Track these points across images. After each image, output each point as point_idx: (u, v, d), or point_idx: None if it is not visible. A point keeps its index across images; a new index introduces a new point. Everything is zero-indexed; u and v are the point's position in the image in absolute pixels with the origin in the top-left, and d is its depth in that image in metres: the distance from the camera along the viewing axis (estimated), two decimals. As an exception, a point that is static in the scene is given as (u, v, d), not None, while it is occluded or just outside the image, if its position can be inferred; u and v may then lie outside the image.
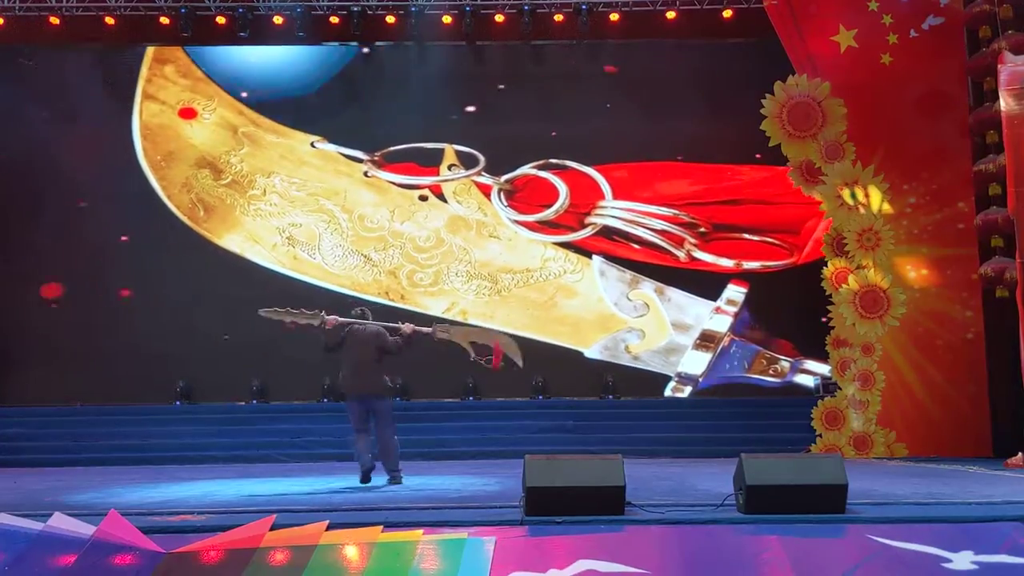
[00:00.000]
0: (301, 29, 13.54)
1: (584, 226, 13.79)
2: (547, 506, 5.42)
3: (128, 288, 13.69)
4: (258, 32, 13.65)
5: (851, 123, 11.74)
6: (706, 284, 13.61)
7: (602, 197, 13.82)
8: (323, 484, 8.16)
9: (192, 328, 13.33)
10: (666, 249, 13.70)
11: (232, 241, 13.77)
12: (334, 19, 13.68)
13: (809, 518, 5.33)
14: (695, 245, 13.64)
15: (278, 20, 13.56)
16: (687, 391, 13.33)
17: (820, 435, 11.72)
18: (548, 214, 13.81)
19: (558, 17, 13.63)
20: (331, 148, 13.97)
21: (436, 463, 10.87)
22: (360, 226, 13.82)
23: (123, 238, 13.78)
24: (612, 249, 13.78)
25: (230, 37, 13.73)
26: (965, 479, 8.21)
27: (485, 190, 13.92)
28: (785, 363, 13.26)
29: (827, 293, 11.92)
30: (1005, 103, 9.96)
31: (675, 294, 13.62)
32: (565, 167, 13.91)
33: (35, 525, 5.07)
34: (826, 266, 11.99)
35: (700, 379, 13.31)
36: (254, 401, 13.28)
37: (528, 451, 5.90)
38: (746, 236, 13.66)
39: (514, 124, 13.93)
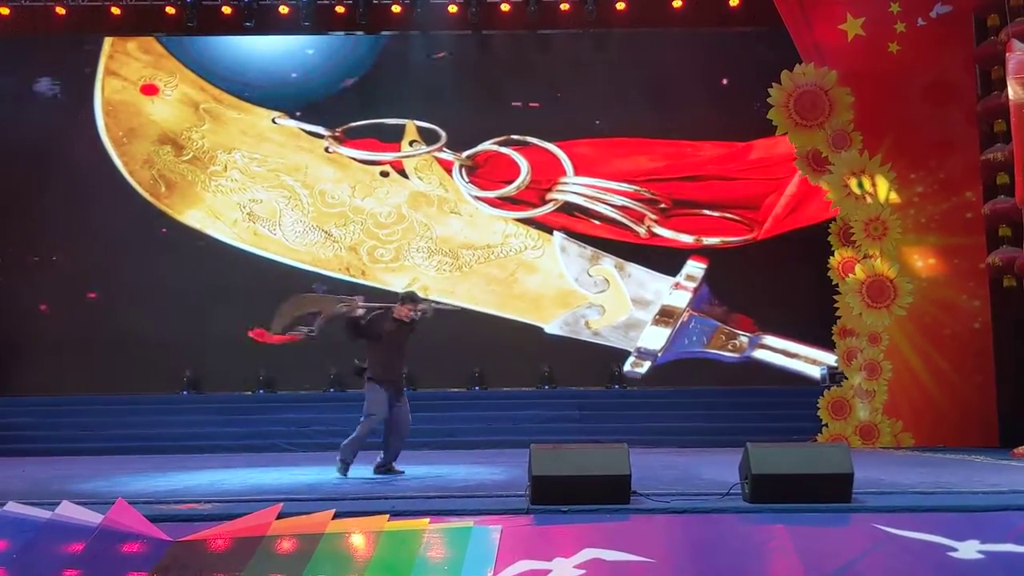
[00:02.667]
0: (307, 19, 13.52)
1: (545, 202, 13.80)
2: (553, 495, 5.43)
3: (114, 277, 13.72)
4: (264, 22, 13.64)
5: (858, 112, 11.69)
6: (666, 260, 13.66)
7: (563, 173, 13.82)
8: (329, 473, 8.18)
9: (201, 319, 13.35)
10: (627, 225, 13.72)
11: (193, 217, 13.77)
12: (340, 8, 13.67)
13: (815, 507, 5.33)
14: (655, 221, 13.66)
15: (284, 10, 13.54)
16: (646, 366, 13.37)
17: (826, 425, 11.70)
18: (509, 190, 13.81)
19: (564, 6, 13.58)
20: (292, 124, 13.97)
21: (442, 452, 10.89)
22: (321, 202, 13.83)
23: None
24: (573, 225, 13.78)
25: (236, 27, 13.72)
26: (971, 468, 8.20)
27: (446, 166, 13.92)
28: (744, 338, 13.31)
29: (833, 282, 11.90)
30: (1013, 91, 9.90)
31: (635, 270, 13.66)
32: (526, 143, 13.90)
33: (43, 513, 5.10)
34: (832, 255, 11.95)
35: (659, 354, 13.35)
36: (261, 391, 13.31)
37: (534, 440, 5.90)
38: (706, 212, 13.68)
39: (519, 113, 13.90)
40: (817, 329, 12.63)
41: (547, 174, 13.84)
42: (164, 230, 13.73)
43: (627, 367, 13.39)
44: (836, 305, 11.88)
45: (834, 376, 12.28)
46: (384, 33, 14.11)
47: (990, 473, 7.66)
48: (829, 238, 12.07)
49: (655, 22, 13.73)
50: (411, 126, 13.92)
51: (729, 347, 13.31)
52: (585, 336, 13.51)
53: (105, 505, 5.20)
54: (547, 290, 13.68)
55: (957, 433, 11.23)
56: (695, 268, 13.57)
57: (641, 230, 13.65)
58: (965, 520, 5.05)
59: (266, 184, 13.85)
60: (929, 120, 11.73)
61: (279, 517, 5.10)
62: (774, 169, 13.57)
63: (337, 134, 13.92)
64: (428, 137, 13.93)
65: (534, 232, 13.78)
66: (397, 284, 13.30)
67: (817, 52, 11.91)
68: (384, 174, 13.91)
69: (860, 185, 11.66)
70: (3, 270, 13.68)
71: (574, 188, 13.74)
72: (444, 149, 13.87)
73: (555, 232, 13.77)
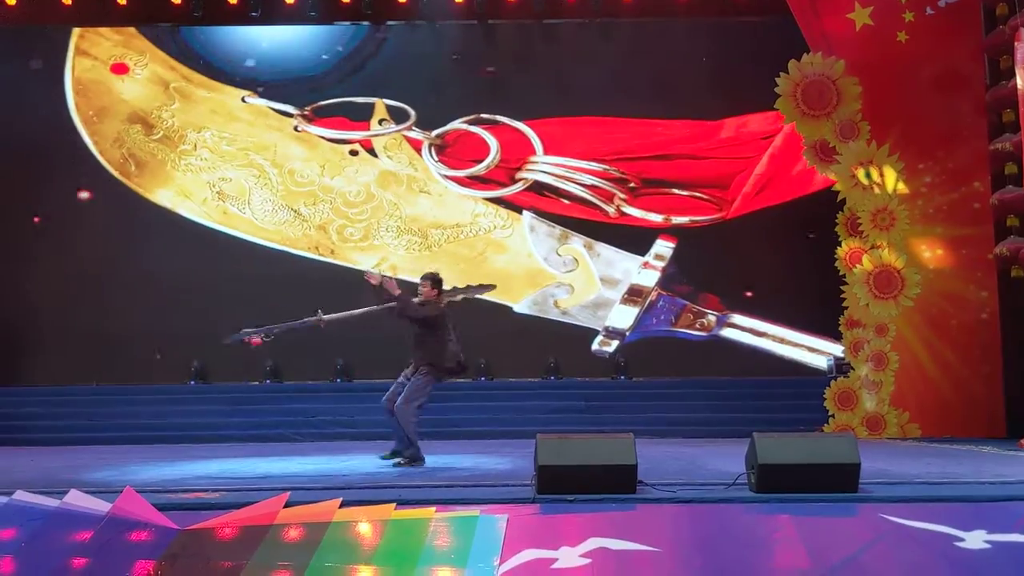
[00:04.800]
0: (313, 8, 13.48)
1: (515, 181, 13.76)
2: (559, 485, 5.44)
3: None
4: (269, 11, 13.59)
5: (866, 102, 11.63)
6: (635, 239, 13.64)
7: (533, 152, 13.78)
8: (337, 462, 8.21)
9: (208, 308, 13.36)
10: (596, 204, 13.69)
11: (163, 196, 13.76)
12: (346, -2, 13.63)
13: (821, 497, 5.34)
14: (624, 200, 13.63)
15: (289, 0, 13.51)
16: (614, 345, 13.38)
17: (833, 415, 11.69)
18: (479, 169, 13.77)
19: (570, -3, 13.54)
20: (262, 103, 13.94)
21: (449, 442, 10.89)
22: (290, 181, 13.81)
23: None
24: (542, 204, 13.75)
25: (242, 17, 13.68)
26: (978, 459, 8.19)
27: (416, 145, 13.87)
28: (711, 317, 13.32)
29: (840, 273, 11.87)
30: (1022, 81, 9.88)
31: (604, 249, 13.65)
32: (496, 122, 13.86)
33: (51, 502, 5.13)
34: (840, 246, 11.92)
35: (627, 333, 13.37)
36: (268, 381, 13.33)
37: (540, 431, 5.91)
38: (675, 191, 13.65)
39: (524, 103, 13.88)
40: (794, 312, 13.01)
41: (516, 153, 13.82)
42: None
43: (595, 346, 13.42)
44: (843, 296, 11.85)
45: (841, 367, 12.27)
46: (390, 23, 14.09)
47: (997, 464, 7.66)
48: (836, 228, 12.04)
49: (661, 12, 13.67)
50: (380, 105, 13.89)
51: (697, 326, 13.35)
52: (554, 315, 13.54)
53: (113, 494, 5.23)
54: (516, 269, 13.68)
55: (964, 424, 11.21)
56: (664, 247, 13.58)
57: (610, 209, 13.65)
58: (972, 510, 5.06)
59: (235, 163, 13.85)
60: (937, 110, 11.67)
61: (286, 506, 5.12)
62: (744, 148, 13.60)
63: (306, 113, 13.89)
64: (397, 116, 13.89)
65: (503, 211, 13.78)
66: (366, 263, 13.35)
67: (825, 41, 11.85)
68: (353, 153, 13.89)
69: (868, 175, 11.62)
70: (5, 260, 13.66)
71: (543, 167, 13.73)
72: (413, 128, 13.84)
73: (524, 211, 13.76)
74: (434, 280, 8.44)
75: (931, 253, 11.74)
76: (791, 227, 13.24)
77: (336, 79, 14.00)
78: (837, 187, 11.85)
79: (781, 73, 11.87)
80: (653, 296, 13.40)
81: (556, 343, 13.41)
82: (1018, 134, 10.39)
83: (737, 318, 13.31)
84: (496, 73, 14.08)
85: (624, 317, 13.42)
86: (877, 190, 11.60)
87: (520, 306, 13.56)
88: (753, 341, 13.27)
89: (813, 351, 13.09)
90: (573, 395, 12.93)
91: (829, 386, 11.85)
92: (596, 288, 13.58)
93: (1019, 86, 9.92)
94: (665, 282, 13.46)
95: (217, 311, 12.94)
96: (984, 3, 11.58)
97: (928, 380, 11.53)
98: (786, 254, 13.20)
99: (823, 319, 12.53)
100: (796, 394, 12.57)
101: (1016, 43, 10.05)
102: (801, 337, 13.18)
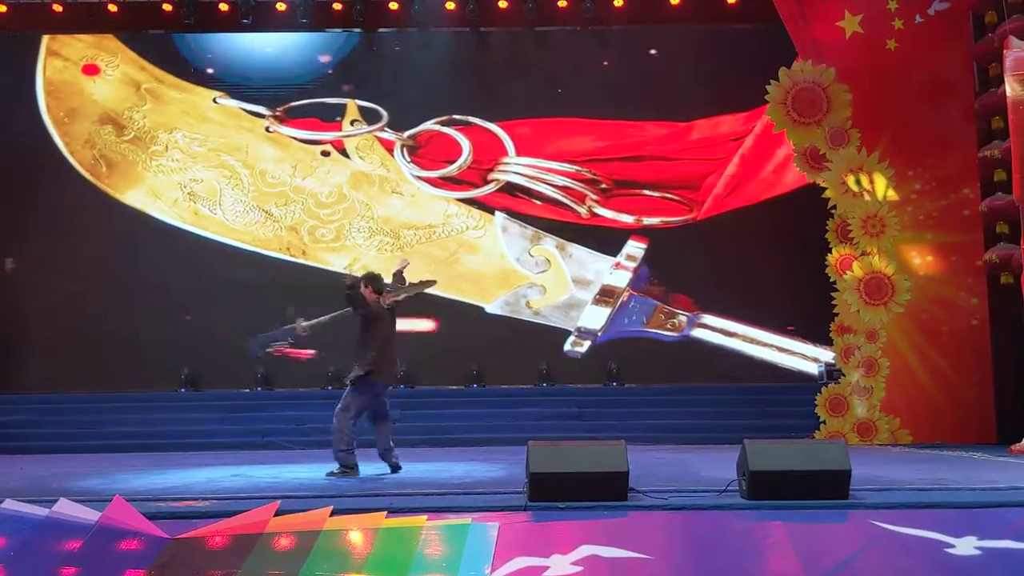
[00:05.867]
0: (304, 16, 13.49)
1: (487, 182, 13.83)
2: (551, 492, 5.43)
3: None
4: (261, 19, 13.61)
5: (856, 109, 11.69)
6: (606, 240, 13.72)
7: (505, 153, 13.85)
8: (327, 471, 8.17)
9: (197, 316, 13.34)
10: (568, 205, 13.77)
11: (134, 197, 13.75)
12: (337, 5, 13.63)
13: (812, 504, 5.34)
14: (596, 201, 13.72)
15: (281, 7, 13.50)
16: (586, 345, 13.44)
17: (824, 422, 11.71)
18: (451, 170, 13.83)
19: (562, 3, 13.57)
20: (233, 104, 13.97)
21: (440, 449, 10.88)
22: (262, 181, 13.83)
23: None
24: (514, 205, 13.82)
25: (234, 24, 13.69)
26: (969, 465, 8.21)
27: (388, 146, 13.92)
28: (683, 317, 13.41)
29: (831, 279, 11.90)
30: (1011, 88, 9.92)
31: (576, 250, 13.73)
32: (468, 123, 13.92)
33: (41, 511, 5.10)
34: (831, 252, 11.95)
35: (599, 334, 13.43)
36: (258, 388, 13.30)
37: (532, 438, 5.90)
38: (646, 192, 13.75)
39: (514, 108, 13.90)
40: (769, 315, 13.13)
41: (489, 154, 13.88)
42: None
43: (567, 346, 13.47)
44: (834, 302, 11.90)
45: (832, 373, 12.30)
46: (381, 30, 14.10)
47: (988, 470, 7.67)
48: (827, 235, 12.07)
49: (653, 19, 13.71)
50: (352, 105, 13.93)
51: (668, 326, 13.43)
52: (525, 316, 13.57)
53: (103, 502, 5.20)
54: (488, 270, 13.73)
55: (955, 430, 11.24)
56: (635, 248, 13.67)
57: (582, 210, 13.73)
58: (963, 516, 5.06)
59: (207, 164, 13.86)
60: (927, 117, 11.73)
61: (277, 514, 5.10)
62: (714, 149, 13.71)
63: (278, 114, 13.92)
64: (369, 117, 13.92)
65: (476, 212, 13.82)
66: (338, 264, 13.41)
67: (815, 49, 11.91)
68: (325, 154, 13.91)
69: (858, 182, 11.66)
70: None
71: (516, 168, 13.80)
72: (386, 129, 13.88)
73: (496, 212, 13.81)
74: (367, 279, 8.00)
75: (921, 259, 11.79)
76: (764, 228, 13.35)
77: (321, 84, 14.05)
78: (827, 194, 11.88)
79: (772, 80, 11.91)
80: (625, 297, 13.48)
81: (548, 350, 13.41)
82: (1007, 141, 10.44)
83: (708, 318, 13.39)
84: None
85: (596, 318, 13.47)
86: (867, 197, 11.64)
87: (492, 307, 13.60)
88: (724, 341, 13.33)
89: (785, 351, 13.21)
90: (565, 402, 12.93)
91: (820, 392, 11.88)
92: (568, 289, 13.64)
93: (1008, 93, 9.97)
94: (637, 283, 13.55)
95: (205, 315, 13.01)
96: (973, 11, 11.65)
97: (919, 386, 11.56)
98: (761, 256, 13.28)
99: (813, 325, 12.58)
100: (787, 400, 12.60)
101: (1005, 51, 10.10)
102: (774, 338, 13.27)
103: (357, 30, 14.01)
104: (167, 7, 13.56)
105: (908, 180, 11.71)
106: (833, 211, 11.92)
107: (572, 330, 13.51)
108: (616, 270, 13.61)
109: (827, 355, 12.63)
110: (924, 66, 11.73)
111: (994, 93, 11.00)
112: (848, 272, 11.70)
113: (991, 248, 11.11)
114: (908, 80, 11.72)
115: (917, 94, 11.73)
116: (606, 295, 13.51)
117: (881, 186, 11.65)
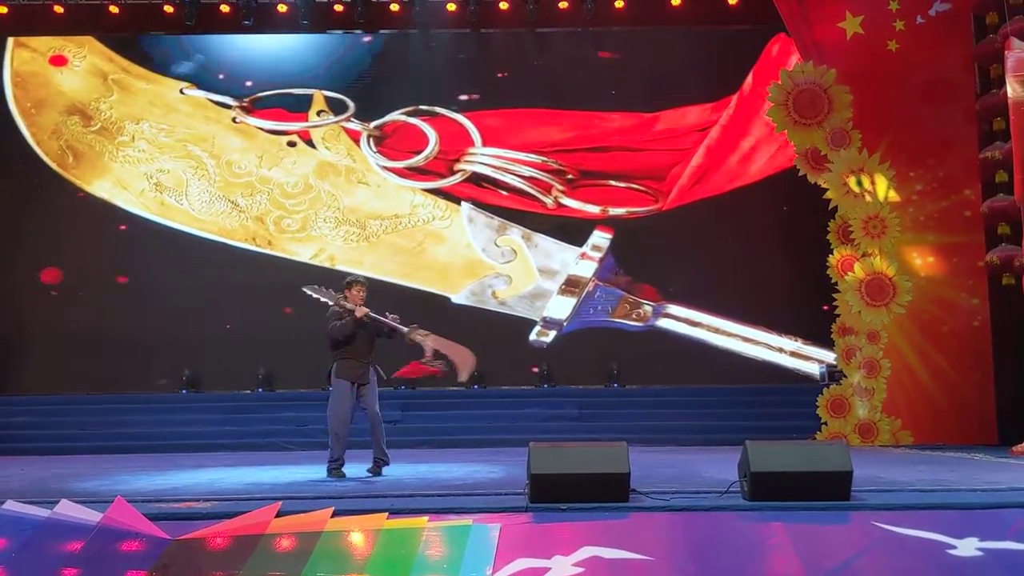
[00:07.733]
0: (305, 17, 13.49)
1: (453, 173, 13.85)
2: (552, 493, 5.42)
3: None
4: (262, 20, 13.62)
5: (857, 110, 11.69)
6: (572, 230, 13.76)
7: (471, 144, 13.86)
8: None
9: (199, 317, 13.34)
10: (534, 196, 13.80)
11: (101, 187, 13.77)
12: (338, 7, 13.65)
13: (814, 505, 5.33)
14: (562, 192, 13.75)
15: (282, 8, 13.51)
16: (552, 335, 13.45)
17: (825, 423, 11.71)
18: (417, 160, 13.85)
19: (563, 4, 13.57)
20: (200, 94, 13.98)
21: (441, 451, 10.88)
22: (228, 172, 13.85)
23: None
24: (481, 196, 13.85)
25: (235, 26, 13.70)
26: (970, 466, 8.20)
27: (354, 136, 13.93)
28: (648, 307, 13.43)
29: (832, 281, 11.90)
30: (1012, 89, 9.91)
31: (542, 240, 13.75)
32: (435, 114, 13.94)
33: (42, 512, 5.10)
34: (832, 254, 11.95)
35: (565, 323, 13.45)
36: (260, 389, 13.30)
37: (533, 439, 5.90)
38: (612, 183, 13.78)
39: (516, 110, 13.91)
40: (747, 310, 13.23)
41: (455, 144, 13.89)
42: (123, 226, 13.72)
43: (533, 336, 13.48)
44: (835, 303, 11.90)
45: (833, 374, 12.29)
46: (383, 32, 14.11)
47: (989, 471, 7.66)
48: (828, 236, 12.07)
49: (653, 20, 13.72)
50: (319, 96, 13.96)
51: (633, 316, 13.46)
52: (492, 306, 13.58)
53: (104, 504, 5.20)
54: (455, 260, 13.75)
55: (956, 431, 11.24)
56: (601, 238, 13.69)
57: (548, 201, 13.75)
58: (964, 518, 5.05)
59: (173, 154, 13.88)
60: (928, 118, 11.73)
61: (278, 515, 5.10)
62: (680, 140, 13.74)
63: (244, 104, 13.93)
64: (336, 107, 13.94)
65: (442, 202, 13.84)
66: (304, 254, 13.50)
67: (816, 50, 11.91)
68: (291, 144, 13.93)
69: (859, 183, 11.66)
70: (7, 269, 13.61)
71: (482, 159, 13.82)
72: (352, 119, 13.89)
73: (463, 202, 13.83)
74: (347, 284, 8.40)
75: (922, 261, 11.79)
76: (729, 219, 13.43)
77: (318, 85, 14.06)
78: (829, 195, 11.88)
79: (773, 82, 11.91)
80: (590, 287, 13.50)
81: (549, 351, 13.40)
82: (1008, 142, 10.43)
83: (673, 308, 13.42)
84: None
85: (562, 308, 13.49)
86: (868, 198, 11.64)
87: (458, 297, 13.62)
88: (689, 331, 13.36)
89: (769, 348, 13.20)
90: (566, 403, 12.93)
91: (821, 393, 11.88)
92: (534, 279, 13.67)
93: (1009, 94, 9.96)
94: (602, 273, 13.57)
95: (201, 315, 13.08)
96: (974, 12, 11.64)
97: (920, 387, 11.56)
98: (725, 246, 13.37)
99: (815, 326, 12.58)
100: (789, 402, 12.60)
101: (1006, 52, 10.09)
102: (737, 327, 13.31)
103: (357, 31, 14.01)
104: (168, 8, 13.57)
105: (909, 181, 11.71)
106: (834, 212, 11.93)
107: (538, 320, 13.53)
108: (582, 260, 13.64)
109: (828, 355, 12.62)
110: (925, 67, 11.74)
111: (995, 94, 11.00)
112: (849, 273, 11.70)
113: (992, 249, 11.10)
114: (909, 81, 11.73)
115: (918, 95, 11.73)
116: (572, 285, 13.53)
117: (882, 187, 11.65)
